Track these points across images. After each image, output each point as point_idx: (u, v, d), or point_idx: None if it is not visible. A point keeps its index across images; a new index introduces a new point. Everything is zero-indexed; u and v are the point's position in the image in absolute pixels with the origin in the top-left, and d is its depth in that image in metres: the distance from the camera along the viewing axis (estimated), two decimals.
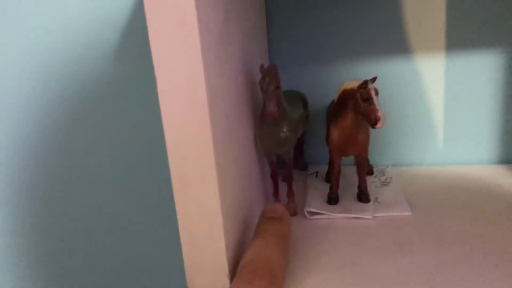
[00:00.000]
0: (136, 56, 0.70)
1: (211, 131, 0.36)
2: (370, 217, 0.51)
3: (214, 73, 0.38)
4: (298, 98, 0.58)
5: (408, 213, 0.52)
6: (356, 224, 0.51)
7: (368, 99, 0.47)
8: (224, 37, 0.41)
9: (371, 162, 0.66)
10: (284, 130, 0.50)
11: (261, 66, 0.47)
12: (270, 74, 0.47)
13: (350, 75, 0.66)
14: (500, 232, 0.47)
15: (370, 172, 0.64)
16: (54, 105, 0.75)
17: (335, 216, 0.52)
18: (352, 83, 0.49)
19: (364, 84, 0.47)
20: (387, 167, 0.66)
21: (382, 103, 0.65)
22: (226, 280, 0.40)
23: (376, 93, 0.48)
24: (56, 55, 0.72)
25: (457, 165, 0.66)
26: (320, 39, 0.65)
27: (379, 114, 0.47)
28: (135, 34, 0.69)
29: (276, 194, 0.55)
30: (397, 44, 0.64)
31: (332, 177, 0.55)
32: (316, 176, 0.64)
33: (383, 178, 0.62)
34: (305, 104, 0.59)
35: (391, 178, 0.61)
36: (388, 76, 0.65)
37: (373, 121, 0.47)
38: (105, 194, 0.78)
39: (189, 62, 0.35)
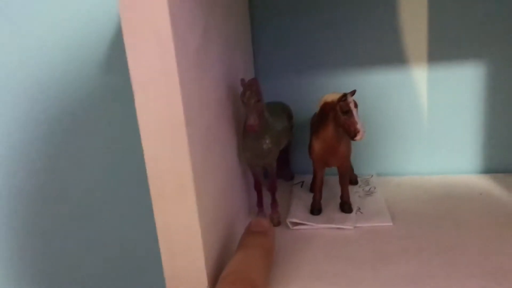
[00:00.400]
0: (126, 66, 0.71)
1: (188, 145, 0.37)
2: (351, 227, 0.52)
3: (192, 88, 0.38)
4: (282, 110, 0.59)
5: (389, 224, 0.52)
6: (337, 235, 0.51)
7: (348, 112, 0.48)
8: (203, 51, 0.42)
9: (356, 172, 0.67)
10: (267, 142, 0.51)
11: (242, 80, 0.48)
12: (251, 87, 0.48)
13: (335, 87, 0.66)
14: (480, 242, 0.47)
15: (355, 182, 0.64)
16: (49, 111, 0.75)
17: (317, 226, 0.53)
18: (332, 96, 0.50)
19: (344, 97, 0.48)
20: (372, 176, 0.66)
21: (365, 114, 0.66)
22: None
23: (356, 105, 0.49)
24: (46, 65, 0.73)
25: (440, 174, 0.67)
26: (305, 50, 0.66)
27: (358, 126, 0.47)
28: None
29: (260, 204, 0.56)
30: (380, 55, 0.65)
31: (315, 188, 0.55)
32: (302, 186, 0.64)
33: (367, 188, 0.62)
34: (289, 115, 0.60)
35: (374, 188, 0.62)
36: (372, 87, 0.66)
37: (352, 134, 0.48)
38: (99, 203, 0.79)
39: (166, 78, 0.35)
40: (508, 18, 0.61)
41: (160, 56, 0.35)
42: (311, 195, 0.61)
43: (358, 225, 0.52)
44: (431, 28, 0.63)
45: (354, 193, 0.61)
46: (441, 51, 0.63)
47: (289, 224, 0.53)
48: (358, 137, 0.48)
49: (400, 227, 0.52)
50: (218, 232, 0.45)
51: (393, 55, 0.64)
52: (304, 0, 0.65)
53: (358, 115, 0.48)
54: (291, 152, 0.68)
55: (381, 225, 0.52)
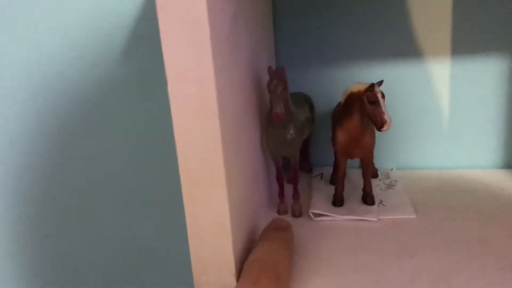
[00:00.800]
0: (145, 55, 0.71)
1: (220, 133, 0.37)
2: (375, 219, 0.52)
3: (223, 75, 0.38)
4: (305, 101, 0.59)
5: (413, 216, 0.52)
6: (360, 226, 0.51)
7: (375, 102, 0.48)
8: (233, 38, 0.42)
9: (376, 165, 0.67)
10: (291, 132, 0.51)
11: (269, 68, 0.48)
12: (278, 76, 0.47)
13: (356, 78, 0.66)
14: (504, 236, 0.47)
15: (375, 175, 0.64)
16: (62, 106, 0.75)
17: (340, 218, 0.52)
18: (359, 86, 0.49)
19: (371, 87, 0.48)
20: (392, 170, 0.66)
21: (387, 106, 0.66)
22: (233, 279, 0.40)
23: (383, 96, 0.48)
24: (62, 55, 0.73)
25: (460, 169, 0.66)
26: (326, 41, 0.66)
27: (386, 117, 0.47)
28: (143, 33, 0.70)
29: (281, 195, 0.55)
30: (403, 48, 0.64)
31: (337, 179, 0.55)
32: (321, 178, 0.64)
33: (387, 181, 0.62)
34: (311, 106, 0.60)
35: (395, 181, 0.62)
36: (394, 79, 0.65)
37: (379, 124, 0.47)
38: (114, 194, 0.79)
39: (200, 65, 0.35)
40: None
41: (194, 42, 0.35)
42: (332, 187, 0.60)
43: (381, 217, 0.52)
44: (455, 21, 0.62)
45: (375, 186, 0.60)
46: (464, 45, 0.63)
47: (311, 215, 0.53)
48: (385, 128, 0.47)
49: (423, 220, 0.51)
50: (244, 221, 0.45)
51: (416, 48, 0.64)
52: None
53: (385, 106, 0.48)
54: (310, 144, 0.68)
55: (405, 218, 0.52)
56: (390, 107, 0.66)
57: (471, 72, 0.64)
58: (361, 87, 0.49)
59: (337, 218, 0.52)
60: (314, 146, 0.70)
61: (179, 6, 0.34)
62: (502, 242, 0.46)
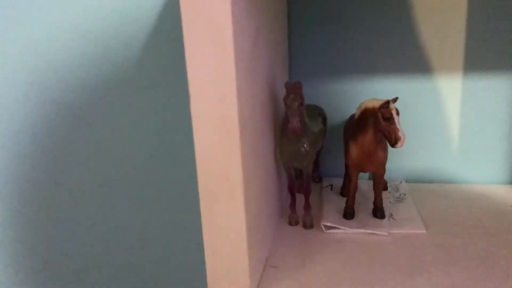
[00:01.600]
0: (165, 54, 0.72)
1: (240, 149, 0.37)
2: (385, 233, 0.52)
3: (244, 90, 0.39)
4: (318, 113, 0.59)
5: (423, 231, 0.52)
6: (371, 240, 0.52)
7: (389, 119, 0.48)
8: (254, 55, 0.42)
9: (385, 178, 0.67)
10: (305, 145, 0.51)
11: (286, 83, 0.48)
12: (295, 91, 0.48)
13: (368, 92, 0.67)
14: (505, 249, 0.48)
15: (384, 188, 0.65)
16: (77, 103, 0.76)
17: (350, 231, 0.53)
18: (373, 102, 0.50)
19: (386, 103, 0.48)
20: (401, 183, 0.67)
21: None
22: None
23: (397, 113, 0.49)
24: (81, 52, 0.74)
25: (469, 183, 0.67)
26: (339, 55, 0.67)
27: (400, 134, 0.48)
28: (162, 39, 0.71)
29: (293, 206, 0.56)
30: (415, 63, 0.65)
31: (348, 192, 0.56)
32: (331, 189, 0.65)
33: (397, 194, 0.63)
34: (324, 118, 0.60)
35: (405, 194, 0.62)
36: (405, 94, 0.66)
37: (394, 141, 0.48)
38: (129, 204, 0.80)
39: (223, 79, 0.36)
40: None
41: (218, 57, 0.35)
42: (342, 198, 0.61)
43: (392, 231, 0.53)
44: (468, 37, 0.63)
45: (385, 198, 0.61)
46: (475, 62, 0.63)
47: (323, 227, 0.54)
48: (399, 145, 0.48)
49: (433, 235, 0.52)
50: (259, 233, 0.45)
51: (428, 63, 0.64)
52: (340, 7, 0.65)
53: (399, 123, 0.48)
54: (320, 155, 0.69)
55: (415, 232, 0.52)
56: (401, 120, 0.67)
57: (482, 89, 0.64)
58: (376, 103, 0.50)
59: (348, 230, 0.53)
60: (323, 157, 0.70)
61: (204, 19, 0.35)
62: (500, 255, 0.46)
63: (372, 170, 0.54)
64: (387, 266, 0.47)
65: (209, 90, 0.36)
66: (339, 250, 0.50)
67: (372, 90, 0.67)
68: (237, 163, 0.37)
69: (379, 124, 0.49)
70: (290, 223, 0.56)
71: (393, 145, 0.48)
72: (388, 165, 0.68)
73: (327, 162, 0.71)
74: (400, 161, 0.69)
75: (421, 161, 0.68)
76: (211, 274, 0.41)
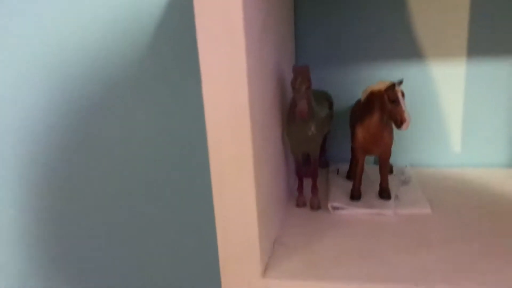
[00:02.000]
0: (174, 48, 0.73)
1: (250, 131, 0.39)
2: (391, 213, 0.54)
3: (254, 74, 0.40)
4: (325, 98, 0.60)
5: (428, 211, 0.54)
6: (378, 220, 0.53)
7: (395, 101, 0.49)
8: (263, 40, 0.44)
9: (391, 162, 0.69)
10: (312, 128, 0.52)
11: (294, 67, 0.50)
12: (302, 74, 0.49)
13: (373, 77, 0.68)
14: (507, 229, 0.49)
15: (390, 171, 0.66)
16: (85, 99, 0.78)
17: (358, 211, 0.54)
18: (379, 85, 0.51)
19: (392, 86, 0.49)
20: (406, 166, 0.68)
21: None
22: (259, 269, 0.42)
23: (403, 95, 0.50)
24: (88, 48, 0.75)
25: (474, 166, 0.68)
26: (345, 41, 0.68)
27: (405, 115, 0.49)
28: (168, 32, 0.72)
29: (300, 189, 0.57)
30: (421, 48, 0.66)
31: (355, 175, 0.57)
32: (338, 173, 0.66)
33: (402, 177, 0.64)
34: (330, 103, 0.62)
35: (410, 177, 0.64)
36: (410, 79, 0.67)
37: (399, 122, 0.49)
38: (141, 190, 0.81)
39: (234, 65, 0.37)
40: None
41: (229, 42, 0.37)
42: (348, 182, 0.62)
43: (397, 211, 0.54)
44: (471, 22, 0.64)
45: (390, 181, 0.62)
46: (481, 46, 0.64)
47: (330, 208, 0.55)
48: (404, 126, 0.49)
49: (438, 215, 0.53)
50: (269, 216, 0.47)
51: (432, 49, 0.65)
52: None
53: (405, 105, 0.50)
54: (326, 140, 0.70)
55: (420, 212, 0.54)
56: (407, 105, 0.68)
57: (485, 73, 0.65)
58: (382, 86, 0.51)
59: (355, 211, 0.54)
60: (330, 142, 0.72)
61: (215, 8, 0.36)
62: (503, 234, 0.48)
63: (378, 153, 0.55)
64: (392, 244, 0.48)
65: (220, 74, 0.38)
66: (346, 230, 0.51)
67: (378, 76, 0.68)
68: (248, 146, 0.39)
69: (385, 107, 0.50)
70: (298, 205, 0.58)
71: (399, 127, 0.49)
72: (393, 150, 0.70)
73: (333, 147, 0.72)
74: (406, 146, 0.70)
75: (426, 145, 0.69)
76: (223, 258, 0.43)
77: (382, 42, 0.67)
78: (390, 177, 0.64)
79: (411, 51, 0.66)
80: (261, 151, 0.42)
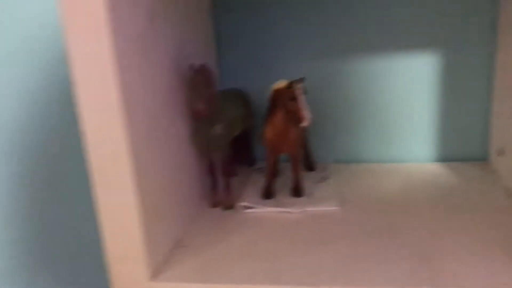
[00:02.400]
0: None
1: (125, 131, 0.38)
2: (298, 211, 0.53)
3: (133, 74, 0.39)
4: (237, 97, 0.60)
5: (335, 208, 0.54)
6: (286, 218, 0.53)
7: (294, 99, 0.49)
8: (149, 37, 0.43)
9: (315, 158, 0.69)
10: (217, 129, 0.52)
11: (190, 66, 0.49)
12: (200, 72, 0.49)
13: (295, 75, 0.68)
14: (421, 227, 0.49)
15: (313, 168, 0.66)
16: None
17: (265, 210, 0.54)
18: (281, 83, 0.51)
19: (290, 84, 0.49)
20: (330, 163, 0.68)
21: (324, 102, 0.68)
22: (146, 272, 0.42)
23: (304, 92, 0.50)
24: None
25: (396, 162, 0.68)
26: (267, 41, 0.67)
27: (303, 113, 0.49)
28: None
29: (214, 188, 0.57)
30: (338, 44, 0.66)
31: (267, 173, 0.57)
32: (262, 172, 0.66)
33: (322, 174, 0.64)
34: (245, 102, 0.61)
35: (330, 174, 0.64)
36: (330, 76, 0.67)
37: (298, 120, 0.49)
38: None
39: (103, 64, 0.36)
40: (464, 13, 0.62)
41: (97, 40, 0.36)
42: None
43: (306, 209, 0.54)
44: (387, 19, 0.64)
45: (310, 178, 0.62)
46: (394, 41, 0.64)
47: (240, 207, 0.55)
48: (304, 123, 0.49)
49: (346, 212, 0.53)
50: (166, 217, 0.46)
51: (350, 45, 0.65)
52: None
53: (306, 102, 0.50)
54: (252, 139, 0.70)
55: (329, 210, 0.54)
56: (328, 102, 0.68)
57: (405, 68, 0.65)
58: (283, 84, 0.51)
59: (264, 210, 0.54)
60: (256, 140, 0.71)
61: (81, 8, 0.35)
62: (417, 233, 0.48)
63: (287, 151, 0.55)
64: (295, 242, 0.48)
65: (92, 75, 0.37)
66: (253, 229, 0.51)
67: (299, 73, 0.68)
68: (123, 146, 0.38)
69: (286, 105, 0.50)
70: (213, 205, 0.57)
71: (298, 124, 0.49)
72: (318, 146, 0.70)
73: (260, 146, 0.72)
74: (330, 142, 0.70)
75: (350, 141, 0.70)
76: (110, 256, 0.42)
77: (301, 42, 0.66)
78: (310, 174, 0.64)
79: (332, 47, 0.66)
80: (145, 152, 0.42)
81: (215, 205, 0.57)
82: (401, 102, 0.67)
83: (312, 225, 0.51)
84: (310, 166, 0.66)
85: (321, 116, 0.69)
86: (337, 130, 0.69)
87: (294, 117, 0.49)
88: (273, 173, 0.57)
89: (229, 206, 0.56)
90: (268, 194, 0.57)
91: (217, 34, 0.68)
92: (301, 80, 0.50)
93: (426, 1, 0.62)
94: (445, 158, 0.68)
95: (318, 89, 0.68)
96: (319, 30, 0.66)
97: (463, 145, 0.67)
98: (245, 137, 0.66)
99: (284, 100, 0.50)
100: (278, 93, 0.51)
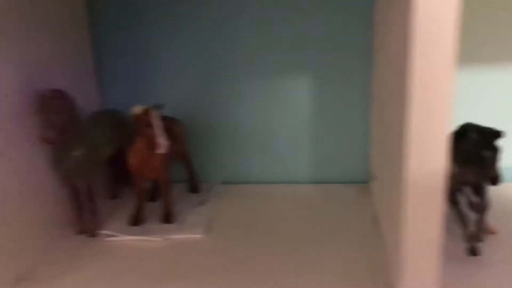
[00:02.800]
0: None
1: None
2: (159, 239, 0.52)
3: None
4: (108, 118, 0.57)
5: (200, 236, 0.53)
6: (149, 247, 0.52)
7: (149, 125, 0.48)
8: None
9: (201, 179, 0.68)
10: (76, 153, 0.50)
11: (36, 93, 0.47)
12: (51, 99, 0.47)
13: (176, 94, 0.66)
14: (283, 257, 0.49)
15: (196, 190, 0.65)
16: None
17: (126, 238, 0.53)
18: (139, 108, 0.50)
19: (146, 110, 0.48)
20: (215, 184, 0.67)
21: (212, 122, 0.67)
22: None
23: (161, 119, 0.49)
24: None
25: (279, 183, 0.68)
26: (146, 60, 0.66)
27: (158, 139, 0.48)
28: None
29: (78, 215, 0.55)
30: (222, 68, 0.65)
31: (135, 200, 0.55)
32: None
33: (204, 197, 0.63)
34: (119, 123, 0.59)
35: (209, 197, 0.63)
36: (219, 96, 0.66)
37: (153, 146, 0.48)
38: None
39: None
40: (333, 36, 0.63)
41: None
42: (153, 203, 0.60)
43: (169, 236, 0.53)
44: (273, 44, 0.64)
45: (189, 202, 0.61)
46: (273, 65, 0.65)
47: (103, 235, 0.53)
48: (160, 150, 0.48)
49: (211, 240, 0.52)
50: (8, 250, 0.44)
51: (234, 69, 0.65)
52: (144, 14, 0.64)
53: (162, 128, 0.48)
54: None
55: (192, 237, 0.53)
56: (215, 123, 0.67)
57: (284, 92, 0.65)
58: (140, 110, 0.49)
59: (124, 238, 0.53)
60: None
61: None
62: (274, 264, 0.48)
63: (152, 176, 0.54)
64: (148, 273, 0.47)
65: None
66: (109, 258, 0.49)
67: (180, 92, 0.67)
68: None
69: (142, 131, 0.49)
70: (79, 232, 0.55)
71: (153, 150, 0.48)
72: (206, 166, 0.69)
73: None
74: (218, 162, 0.69)
75: (237, 162, 0.69)
76: None
77: (181, 60, 0.65)
78: (192, 197, 0.63)
79: (218, 70, 0.65)
80: None
81: (81, 232, 0.55)
82: (282, 124, 0.67)
83: (172, 254, 0.50)
84: (193, 188, 0.65)
85: (208, 137, 0.68)
86: (223, 151, 0.69)
87: (150, 143, 0.48)
88: (142, 199, 0.55)
89: (91, 234, 0.54)
90: (135, 220, 0.55)
91: (97, 55, 0.66)
92: (158, 106, 0.49)
93: (305, 31, 0.63)
94: (328, 179, 0.69)
95: (206, 110, 0.67)
96: (201, 53, 0.65)
97: (348, 167, 0.68)
98: (117, 158, 0.64)
99: (141, 126, 0.49)
100: (135, 118, 0.50)
